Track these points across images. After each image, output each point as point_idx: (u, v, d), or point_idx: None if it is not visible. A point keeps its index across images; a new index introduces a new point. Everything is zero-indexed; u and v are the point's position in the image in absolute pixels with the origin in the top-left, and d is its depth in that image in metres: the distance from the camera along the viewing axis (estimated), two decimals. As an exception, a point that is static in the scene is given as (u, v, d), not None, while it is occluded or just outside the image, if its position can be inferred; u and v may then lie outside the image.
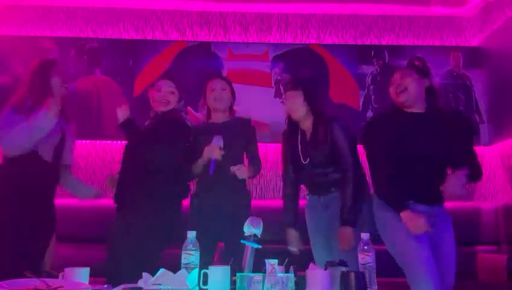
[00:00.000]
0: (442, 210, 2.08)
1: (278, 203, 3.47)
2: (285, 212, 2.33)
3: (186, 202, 2.32)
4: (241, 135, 2.37)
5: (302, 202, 2.38)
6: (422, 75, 2.11)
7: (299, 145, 2.27)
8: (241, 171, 2.22)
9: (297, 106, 2.22)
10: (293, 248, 2.26)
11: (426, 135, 2.01)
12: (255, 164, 2.37)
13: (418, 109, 2.08)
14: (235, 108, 2.49)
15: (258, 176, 3.08)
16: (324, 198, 2.22)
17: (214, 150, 2.18)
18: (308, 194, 2.34)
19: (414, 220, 1.88)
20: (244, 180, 2.34)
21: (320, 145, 2.18)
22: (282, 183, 2.39)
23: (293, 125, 2.32)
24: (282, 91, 3.71)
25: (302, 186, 2.40)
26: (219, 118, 2.41)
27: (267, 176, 3.60)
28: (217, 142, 2.21)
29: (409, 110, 2.08)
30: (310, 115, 2.25)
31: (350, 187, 2.11)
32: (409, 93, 2.05)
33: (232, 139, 2.31)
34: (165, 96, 2.26)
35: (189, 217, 2.29)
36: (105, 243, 2.17)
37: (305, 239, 2.29)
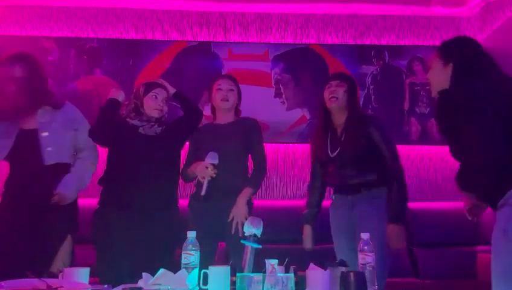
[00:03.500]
0: None
1: (278, 203, 3.51)
2: (306, 207, 2.34)
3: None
4: (246, 136, 2.36)
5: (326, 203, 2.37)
6: (446, 60, 1.73)
7: (329, 139, 2.26)
8: (239, 214, 2.19)
9: (338, 95, 2.21)
10: (306, 246, 2.29)
11: None
12: (260, 169, 2.36)
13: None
14: (240, 109, 2.47)
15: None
16: (352, 197, 2.19)
17: (208, 170, 2.17)
18: (334, 194, 2.32)
19: None
20: (246, 182, 2.33)
21: (353, 141, 2.15)
22: (309, 178, 2.39)
23: (325, 119, 2.30)
24: (282, 95, 3.72)
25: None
26: (224, 118, 2.40)
27: (266, 176, 3.59)
28: (211, 160, 2.18)
29: None
30: (345, 110, 2.23)
31: (395, 184, 2.10)
32: (431, 88, 1.80)
33: (236, 141, 2.31)
34: (161, 105, 2.27)
35: (189, 219, 2.29)
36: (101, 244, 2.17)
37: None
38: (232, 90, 2.39)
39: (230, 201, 2.23)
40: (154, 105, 2.26)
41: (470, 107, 1.51)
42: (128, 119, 2.29)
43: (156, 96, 2.27)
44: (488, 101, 1.51)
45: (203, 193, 2.17)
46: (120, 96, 2.33)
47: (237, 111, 2.46)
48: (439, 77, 1.72)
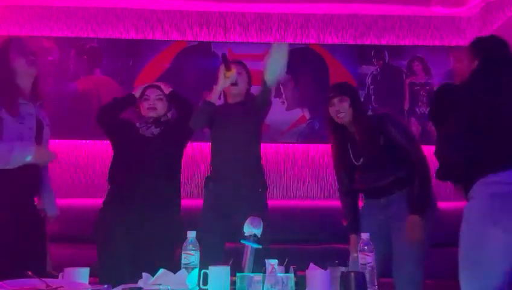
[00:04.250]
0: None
1: (278, 203, 3.51)
2: (345, 217, 2.31)
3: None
4: (255, 108, 2.36)
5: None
6: (473, 55, 1.82)
7: (350, 148, 2.25)
8: None
9: (344, 111, 2.21)
10: (354, 254, 2.18)
11: None
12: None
13: None
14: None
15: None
16: (385, 200, 2.17)
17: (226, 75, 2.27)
18: (365, 199, 2.31)
19: None
20: (260, 163, 2.39)
21: (373, 144, 2.15)
22: (338, 185, 2.38)
23: (338, 131, 2.29)
24: (282, 95, 3.73)
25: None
26: (235, 99, 2.41)
27: (266, 176, 3.58)
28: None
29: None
30: (355, 118, 2.23)
31: (417, 175, 2.07)
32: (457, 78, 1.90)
33: (248, 116, 2.33)
34: (153, 104, 2.33)
35: (204, 201, 2.32)
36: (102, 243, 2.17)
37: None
38: (240, 73, 2.38)
39: (243, 183, 2.25)
40: (146, 105, 2.33)
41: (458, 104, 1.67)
42: (133, 122, 2.37)
43: (147, 98, 2.35)
44: (479, 103, 1.63)
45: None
46: (138, 92, 2.41)
47: (248, 94, 2.45)
48: (464, 70, 1.80)
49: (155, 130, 2.30)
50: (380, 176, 2.16)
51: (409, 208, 2.05)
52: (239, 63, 2.47)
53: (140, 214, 2.14)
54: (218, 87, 2.30)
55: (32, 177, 2.05)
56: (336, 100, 2.23)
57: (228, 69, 2.27)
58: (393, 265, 2.08)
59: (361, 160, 2.20)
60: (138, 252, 2.10)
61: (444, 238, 3.36)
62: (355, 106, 2.22)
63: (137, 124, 2.34)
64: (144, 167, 2.20)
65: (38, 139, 2.05)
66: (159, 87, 2.40)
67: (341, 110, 2.21)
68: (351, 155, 2.24)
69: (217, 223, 2.21)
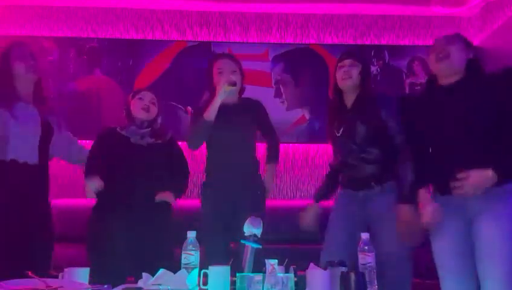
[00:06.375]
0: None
1: (278, 203, 3.51)
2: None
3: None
4: (253, 114, 2.39)
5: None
6: (467, 46, 1.93)
7: (338, 118, 2.17)
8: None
9: (351, 75, 2.11)
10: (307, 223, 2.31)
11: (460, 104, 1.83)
12: (276, 142, 2.51)
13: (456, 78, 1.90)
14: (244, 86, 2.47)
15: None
16: (364, 193, 2.08)
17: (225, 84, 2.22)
18: (342, 188, 2.24)
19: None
20: (257, 167, 2.40)
21: (361, 118, 2.06)
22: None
23: (337, 97, 2.20)
24: (282, 95, 3.72)
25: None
26: (229, 99, 2.30)
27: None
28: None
29: (446, 81, 1.91)
30: (357, 89, 2.14)
31: (409, 162, 1.95)
32: (451, 60, 1.87)
33: (244, 119, 2.33)
34: (147, 105, 2.30)
35: (202, 208, 2.32)
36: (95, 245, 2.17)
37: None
38: (235, 71, 2.34)
39: (240, 183, 2.26)
40: (139, 105, 2.29)
41: None
42: (118, 130, 2.30)
43: (141, 98, 2.31)
44: None
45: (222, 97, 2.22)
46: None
47: (241, 91, 2.43)
48: (461, 53, 1.90)
49: (150, 140, 2.28)
50: (356, 151, 2.08)
51: (399, 198, 1.93)
52: (231, 59, 2.43)
53: (133, 219, 2.12)
54: (216, 103, 2.20)
55: (33, 182, 2.08)
56: (347, 62, 2.13)
57: (232, 84, 2.22)
58: (378, 265, 1.93)
59: (341, 131, 2.12)
60: (131, 254, 2.08)
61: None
62: (364, 75, 2.14)
63: (125, 132, 2.28)
64: (135, 174, 2.19)
65: (45, 143, 2.11)
66: (153, 92, 2.39)
67: (348, 74, 2.11)
68: (336, 126, 2.17)
69: (218, 229, 2.23)
